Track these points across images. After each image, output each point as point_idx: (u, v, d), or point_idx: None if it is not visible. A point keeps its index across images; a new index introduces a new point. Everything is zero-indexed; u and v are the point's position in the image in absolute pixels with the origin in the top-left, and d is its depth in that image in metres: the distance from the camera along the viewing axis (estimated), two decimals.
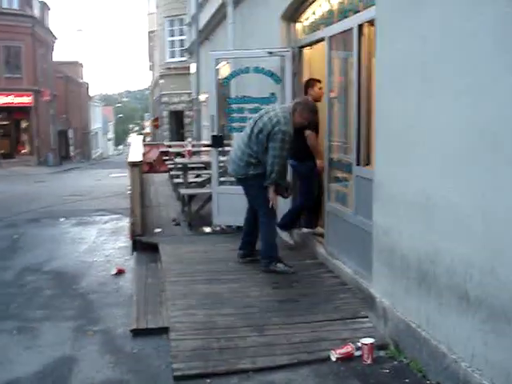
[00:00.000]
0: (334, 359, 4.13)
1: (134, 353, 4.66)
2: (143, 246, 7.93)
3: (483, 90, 3.22)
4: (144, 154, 19.66)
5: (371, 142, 5.21)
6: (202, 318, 4.89)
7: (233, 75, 8.09)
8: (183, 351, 4.28)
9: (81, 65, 63.02)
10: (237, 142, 6.43)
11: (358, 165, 5.50)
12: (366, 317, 4.85)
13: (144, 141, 34.49)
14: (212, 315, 4.93)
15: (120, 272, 7.49)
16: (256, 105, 7.53)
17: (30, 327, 5.43)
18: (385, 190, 4.55)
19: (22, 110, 38.39)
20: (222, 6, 10.80)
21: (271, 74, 7.50)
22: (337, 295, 5.39)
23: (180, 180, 10.28)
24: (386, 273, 4.52)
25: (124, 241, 9.46)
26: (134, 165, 8.15)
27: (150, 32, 37.81)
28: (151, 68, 42.40)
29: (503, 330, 3.07)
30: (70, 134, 51.53)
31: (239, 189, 6.45)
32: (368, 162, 5.40)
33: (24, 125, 39.76)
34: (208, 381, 3.92)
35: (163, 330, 4.86)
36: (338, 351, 4.16)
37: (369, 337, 4.27)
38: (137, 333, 4.99)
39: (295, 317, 4.88)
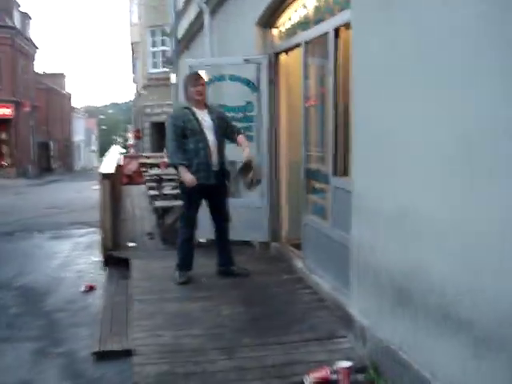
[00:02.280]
0: None
1: (96, 378, 4.36)
2: (115, 261, 7.62)
3: (458, 96, 2.97)
4: (124, 166, 19.45)
5: (349, 151, 4.96)
6: (169, 339, 4.57)
7: (208, 83, 7.80)
8: (146, 377, 3.95)
9: (63, 76, 62.51)
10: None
11: (334, 175, 5.25)
12: (344, 336, 4.56)
13: (128, 152, 34.35)
14: (180, 336, 4.61)
15: (91, 289, 7.20)
16: (232, 114, 7.28)
17: None
18: (362, 201, 4.29)
19: (2, 122, 37.87)
20: (200, 15, 10.56)
21: (247, 82, 7.25)
22: (313, 313, 5.10)
23: (155, 192, 9.98)
24: (364, 290, 4.25)
25: (98, 255, 9.13)
26: (104, 177, 7.85)
27: (132, 43, 37.53)
28: (134, 80, 42.10)
29: (483, 355, 2.80)
30: (51, 145, 50.98)
31: None
32: (346, 173, 5.14)
33: (3, 136, 39.22)
34: None
35: (128, 353, 4.54)
36: (313, 375, 3.86)
37: (347, 359, 3.99)
38: (100, 355, 4.69)
39: (268, 337, 4.57)
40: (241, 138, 6.09)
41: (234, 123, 7.29)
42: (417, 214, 3.43)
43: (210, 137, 5.90)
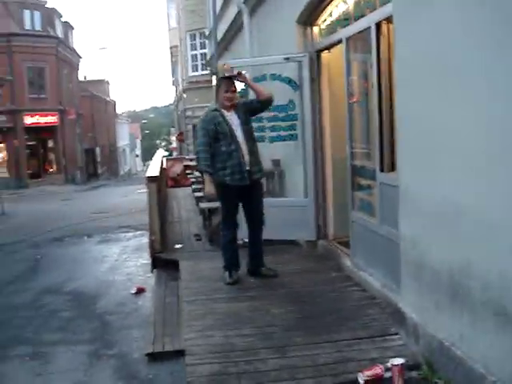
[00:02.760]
0: (361, 382, 3.80)
1: (149, 379, 4.42)
2: (164, 263, 7.70)
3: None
4: (168, 169, 19.64)
5: (395, 146, 4.90)
6: (220, 339, 4.59)
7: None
8: (199, 377, 3.99)
9: (107, 82, 63.51)
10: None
11: (381, 171, 5.19)
12: (396, 334, 4.50)
13: (171, 156, 34.68)
14: (230, 336, 4.63)
15: (140, 291, 7.31)
16: (274, 113, 7.29)
17: (44, 352, 5.25)
18: (410, 197, 4.23)
19: (48, 130, 38.77)
20: (239, 16, 10.59)
21: (289, 81, 7.24)
22: (364, 311, 5.05)
23: (201, 194, 10.03)
24: (416, 287, 4.19)
25: (147, 258, 9.24)
26: (150, 180, 7.93)
27: (171, 47, 37.93)
28: (174, 83, 42.50)
29: None
30: (97, 151, 51.86)
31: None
32: (393, 168, 5.08)
33: (51, 144, 40.15)
34: None
35: (180, 354, 4.59)
36: (366, 373, 3.83)
37: (399, 356, 3.94)
38: (153, 357, 4.74)
39: (319, 336, 4.55)
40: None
41: (278, 123, 7.34)
42: (467, 207, 3.37)
43: (241, 138, 5.91)
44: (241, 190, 5.92)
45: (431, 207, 3.86)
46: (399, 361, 3.82)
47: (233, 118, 5.94)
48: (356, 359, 4.13)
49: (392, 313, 4.77)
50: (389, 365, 3.84)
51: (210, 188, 5.83)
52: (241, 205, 6.19)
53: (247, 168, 5.89)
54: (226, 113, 5.93)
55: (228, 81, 6.02)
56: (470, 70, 3.23)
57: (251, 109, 6.11)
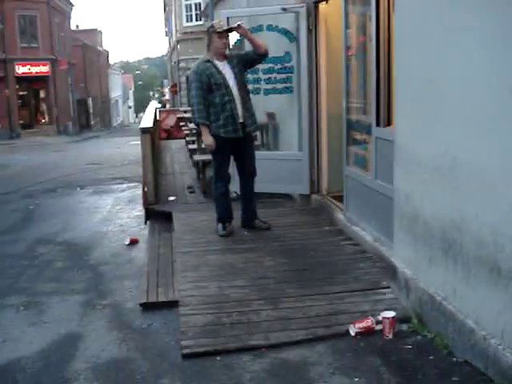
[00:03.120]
0: (352, 334, 3.87)
1: (143, 328, 4.45)
2: (157, 214, 7.71)
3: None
4: (161, 121, 19.48)
5: (392, 101, 4.86)
6: (214, 290, 4.64)
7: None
8: (193, 327, 4.04)
9: (100, 32, 62.39)
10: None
11: (377, 126, 5.16)
12: (388, 287, 4.56)
13: (164, 107, 34.37)
14: (224, 288, 4.68)
15: (133, 242, 7.31)
16: (270, 65, 7.20)
17: (38, 302, 5.26)
18: (406, 151, 4.22)
19: (40, 80, 38.19)
20: None
21: (285, 32, 7.12)
22: (356, 264, 5.10)
23: (195, 146, 9.97)
24: (409, 241, 4.21)
25: (140, 209, 9.23)
26: (144, 131, 7.87)
27: None
28: (167, 34, 41.87)
29: None
30: (90, 102, 51.33)
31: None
32: (389, 123, 5.05)
33: (42, 94, 39.61)
34: (218, 358, 3.69)
35: (174, 304, 4.62)
36: (358, 325, 3.89)
37: (390, 309, 4.01)
38: (146, 307, 4.79)
39: (312, 288, 4.61)
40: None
41: (274, 75, 7.25)
42: (464, 162, 3.36)
43: (234, 89, 5.85)
44: (234, 142, 5.89)
45: (427, 161, 3.85)
46: (390, 314, 3.89)
47: (226, 69, 5.86)
48: (347, 311, 4.19)
49: (384, 267, 4.82)
50: (380, 317, 3.91)
51: (208, 139, 5.78)
52: (232, 157, 6.18)
53: (241, 120, 5.85)
54: (218, 63, 5.85)
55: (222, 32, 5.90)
56: (474, 19, 3.17)
57: (246, 60, 6.02)
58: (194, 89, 5.77)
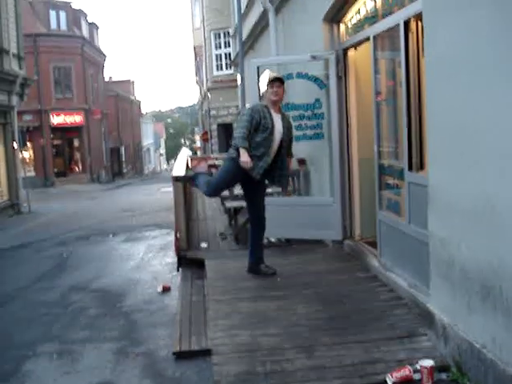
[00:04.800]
0: (390, 383, 3.77)
1: (176, 377, 4.41)
2: (189, 261, 7.70)
3: None
4: (193, 168, 19.64)
5: (424, 145, 4.84)
6: (246, 338, 4.57)
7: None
8: (226, 376, 3.98)
9: (132, 82, 63.86)
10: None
11: (410, 170, 5.13)
12: (425, 335, 4.44)
13: (195, 154, 34.70)
14: (257, 336, 4.61)
15: (166, 289, 7.31)
16: (300, 111, 7.27)
17: (71, 350, 5.27)
18: (440, 196, 4.17)
19: (74, 129, 39.13)
20: (264, 15, 10.57)
21: (315, 79, 7.20)
22: (392, 311, 5.00)
23: (226, 193, 10.01)
24: (446, 287, 4.12)
25: (172, 256, 9.27)
26: (177, 179, 7.94)
27: (195, 47, 38.00)
28: (198, 83, 42.60)
29: None
30: (122, 150, 52.20)
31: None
32: (421, 167, 5.02)
33: (76, 143, 40.51)
34: None
35: (207, 352, 4.58)
36: (395, 374, 3.79)
37: (428, 357, 3.89)
38: (179, 355, 4.74)
39: (346, 336, 4.52)
40: (290, 160, 6.42)
41: (304, 122, 7.31)
42: (502, 206, 3.30)
43: (276, 140, 6.00)
44: (248, 178, 6.00)
45: (462, 205, 3.79)
46: (428, 362, 3.78)
47: (277, 121, 6.05)
48: (384, 360, 4.08)
49: (420, 314, 4.71)
50: (418, 366, 3.80)
51: (245, 157, 5.79)
52: (244, 197, 6.46)
53: (267, 166, 5.98)
54: (272, 112, 6.01)
55: (276, 80, 6.08)
56: (505, 66, 3.16)
57: (288, 137, 6.22)
58: (244, 121, 5.89)
